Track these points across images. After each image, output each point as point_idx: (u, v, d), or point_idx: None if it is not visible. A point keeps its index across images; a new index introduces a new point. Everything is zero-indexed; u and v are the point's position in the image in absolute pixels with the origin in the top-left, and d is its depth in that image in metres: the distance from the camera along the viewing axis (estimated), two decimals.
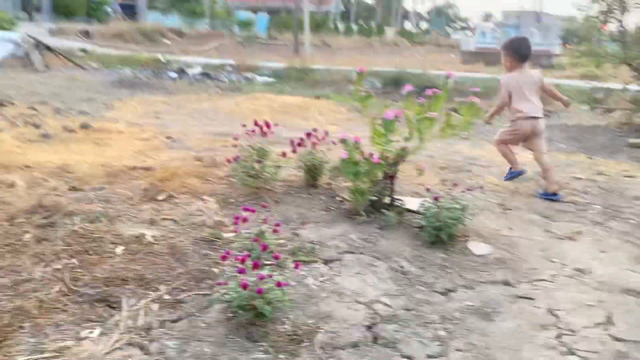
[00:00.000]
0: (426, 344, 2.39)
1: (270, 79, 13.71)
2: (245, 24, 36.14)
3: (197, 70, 14.38)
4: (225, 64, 15.92)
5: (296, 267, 2.54)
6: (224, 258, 2.45)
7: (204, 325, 2.36)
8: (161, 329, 2.31)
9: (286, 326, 2.39)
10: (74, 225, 3.05)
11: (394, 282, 2.89)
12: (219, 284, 2.40)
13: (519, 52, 4.66)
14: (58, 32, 23.30)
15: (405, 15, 64.89)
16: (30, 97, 8.47)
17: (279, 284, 2.28)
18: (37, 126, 5.92)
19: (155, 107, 8.33)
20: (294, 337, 2.33)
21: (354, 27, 45.56)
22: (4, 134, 5.53)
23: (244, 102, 8.79)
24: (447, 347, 2.37)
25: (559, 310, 2.73)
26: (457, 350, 2.36)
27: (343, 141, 3.71)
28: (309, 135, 4.11)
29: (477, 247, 3.43)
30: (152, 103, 8.80)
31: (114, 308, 2.43)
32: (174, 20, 35.60)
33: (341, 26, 45.23)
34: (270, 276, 2.31)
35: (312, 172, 4.15)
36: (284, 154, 3.76)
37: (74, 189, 3.69)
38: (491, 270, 3.15)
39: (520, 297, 2.86)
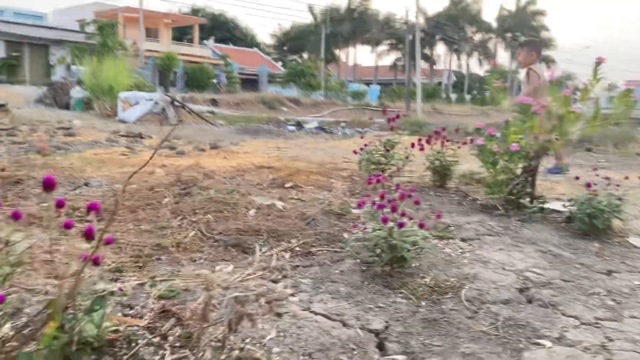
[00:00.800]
0: (593, 309, 2.04)
1: (384, 132, 13.79)
2: (358, 94, 37.40)
3: (313, 125, 14.89)
4: (340, 121, 16.36)
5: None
6: (360, 205, 2.32)
7: (337, 272, 2.22)
8: (294, 271, 2.21)
9: (426, 279, 2.18)
10: (209, 194, 3.11)
11: (545, 260, 2.56)
12: (355, 226, 2.27)
13: (540, 52, 5.77)
14: (189, 100, 25.61)
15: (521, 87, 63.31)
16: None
17: (421, 225, 2.10)
18: (172, 148, 6.34)
19: (276, 145, 8.64)
20: (436, 289, 2.10)
21: (467, 96, 45.28)
22: (143, 152, 5.98)
23: (362, 141, 8.86)
24: (619, 314, 2.01)
25: None
26: (632, 317, 1.98)
27: (478, 130, 3.53)
28: (437, 133, 3.97)
29: (638, 241, 2.99)
30: (273, 143, 9.16)
31: (246, 252, 2.37)
32: (291, 92, 37.79)
33: (453, 96, 45.16)
34: (411, 218, 2.14)
35: (441, 173, 3.96)
36: (412, 145, 3.63)
37: (207, 176, 3.82)
38: None
39: None
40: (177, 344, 1.53)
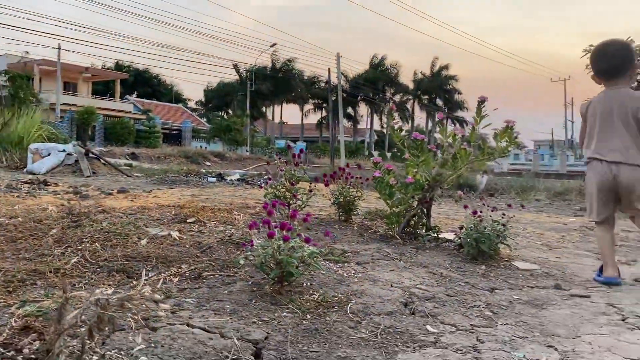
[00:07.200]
0: (470, 318, 2.13)
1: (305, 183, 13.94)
2: (283, 150, 37.87)
3: (235, 176, 14.80)
4: (263, 173, 16.43)
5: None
6: (251, 227, 2.32)
7: (226, 292, 2.19)
8: (180, 293, 2.14)
9: (315, 296, 2.19)
10: (100, 226, 3.00)
11: (433, 279, 2.66)
12: (244, 244, 2.26)
13: (596, 65, 3.10)
14: (107, 153, 24.77)
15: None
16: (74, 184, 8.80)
17: (307, 240, 2.13)
18: (77, 193, 6.08)
19: (192, 192, 8.50)
20: (323, 303, 2.12)
21: (388, 154, 47.04)
22: (42, 197, 5.69)
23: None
24: (495, 322, 2.11)
25: (620, 304, 2.43)
26: (506, 324, 2.08)
27: (375, 164, 3.68)
28: (342, 170, 4.09)
29: (523, 264, 3.17)
30: (189, 191, 9.01)
31: (131, 277, 2.29)
32: (216, 147, 37.61)
33: (375, 153, 46.75)
34: (299, 235, 2.17)
35: (346, 208, 4.06)
36: (316, 179, 3.71)
37: (103, 211, 3.69)
38: (540, 279, 2.88)
39: (575, 295, 2.58)
40: (32, 356, 1.43)
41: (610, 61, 3.04)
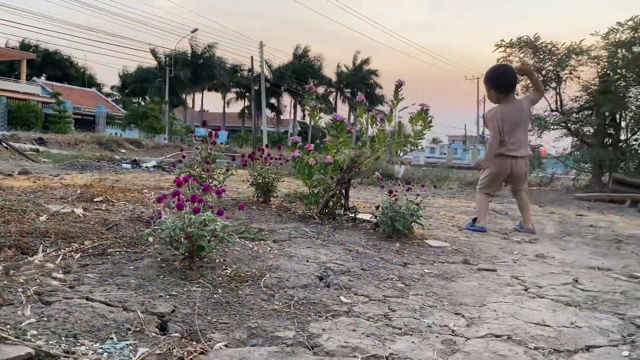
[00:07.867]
0: (383, 289, 2.15)
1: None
2: (205, 139, 36.98)
3: (152, 163, 14.26)
4: (182, 160, 15.97)
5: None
6: (159, 200, 2.20)
7: (132, 268, 2.06)
8: (81, 269, 2.00)
9: (228, 271, 2.12)
10: None
11: (349, 255, 2.67)
12: (152, 218, 2.15)
13: (502, 81, 4.14)
14: (11, 138, 23.06)
15: None
16: None
17: (220, 212, 2.05)
18: None
19: (104, 177, 8.08)
20: (236, 278, 2.05)
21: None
22: None
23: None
24: (406, 293, 2.14)
25: (523, 277, 2.56)
26: (417, 295, 2.13)
27: (294, 144, 3.65)
28: (261, 150, 4.02)
29: (435, 242, 3.27)
30: (100, 176, 8.55)
31: (26, 254, 2.10)
32: (133, 134, 36.05)
33: None
34: (212, 207, 2.09)
35: (264, 189, 3.99)
36: (233, 158, 3.63)
37: None
38: (450, 255, 2.98)
39: (482, 269, 2.69)
40: None
41: (513, 79, 4.24)
